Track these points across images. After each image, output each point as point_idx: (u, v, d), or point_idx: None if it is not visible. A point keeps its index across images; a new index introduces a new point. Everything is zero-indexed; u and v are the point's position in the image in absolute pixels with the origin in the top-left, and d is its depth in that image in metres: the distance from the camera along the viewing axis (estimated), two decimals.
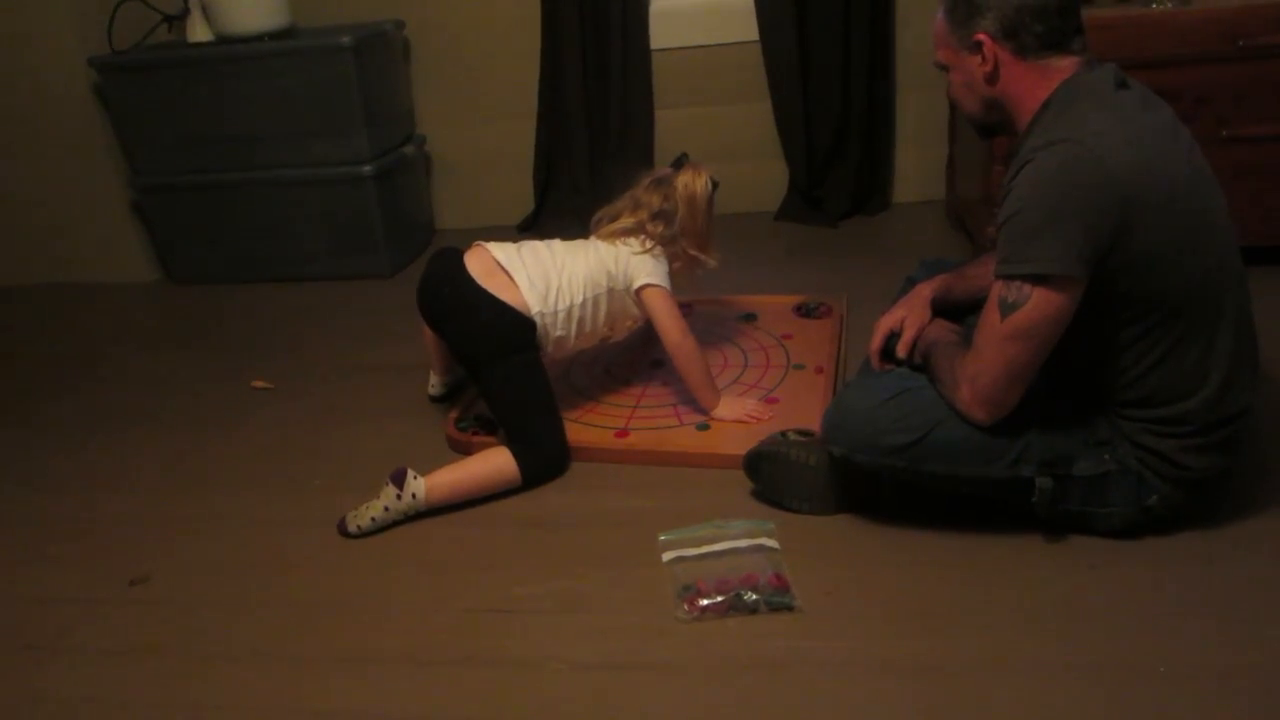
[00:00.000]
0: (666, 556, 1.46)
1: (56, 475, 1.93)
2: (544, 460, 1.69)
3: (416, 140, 3.02)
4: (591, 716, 1.21)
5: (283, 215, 2.80)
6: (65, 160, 2.90)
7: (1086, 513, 1.37)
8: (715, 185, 1.86)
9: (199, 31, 2.79)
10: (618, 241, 1.82)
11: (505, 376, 1.70)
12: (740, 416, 1.80)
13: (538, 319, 1.71)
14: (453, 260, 1.76)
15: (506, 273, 1.72)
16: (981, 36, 1.30)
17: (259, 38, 2.71)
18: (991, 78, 1.33)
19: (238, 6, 2.69)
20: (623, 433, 1.81)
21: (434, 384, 2.02)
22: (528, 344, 1.71)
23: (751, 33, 2.83)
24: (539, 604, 1.41)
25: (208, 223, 2.87)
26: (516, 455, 1.65)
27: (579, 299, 1.76)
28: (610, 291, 1.80)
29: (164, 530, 1.70)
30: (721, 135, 3.00)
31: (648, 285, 1.79)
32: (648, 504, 1.61)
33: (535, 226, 3.10)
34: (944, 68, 1.40)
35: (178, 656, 1.39)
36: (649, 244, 1.82)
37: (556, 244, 1.84)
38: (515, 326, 1.69)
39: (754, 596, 1.35)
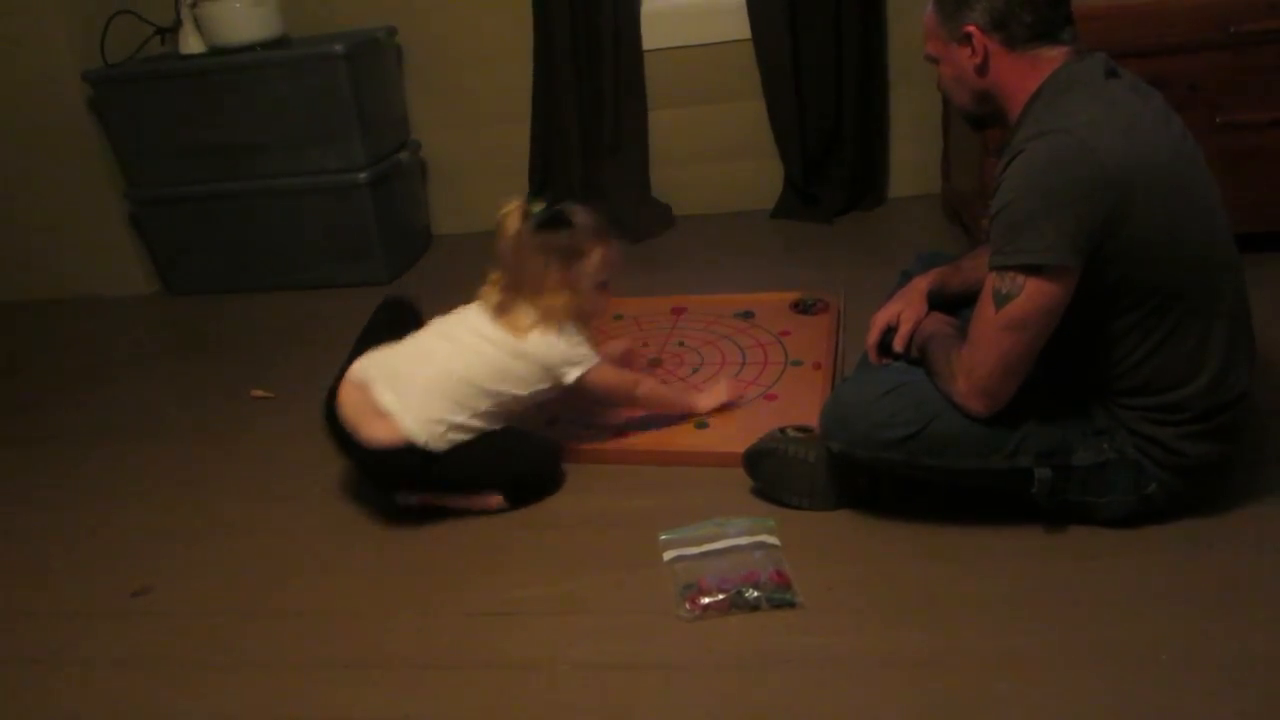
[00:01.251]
0: (667, 556, 1.45)
1: (57, 489, 1.94)
2: (533, 495, 1.65)
3: (411, 146, 3.03)
4: (596, 717, 1.21)
5: (279, 224, 2.80)
6: (62, 175, 2.90)
7: (1086, 502, 1.37)
8: (547, 213, 1.59)
9: (192, 43, 2.79)
10: (504, 328, 1.60)
11: (435, 481, 1.60)
12: (727, 398, 1.80)
13: (429, 444, 1.53)
14: (328, 403, 1.60)
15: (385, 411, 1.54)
16: (970, 28, 1.30)
17: (251, 48, 2.71)
18: (981, 69, 1.33)
19: (230, 17, 2.69)
20: (621, 433, 1.81)
21: None
22: (431, 459, 1.54)
23: (743, 31, 2.83)
24: (541, 606, 1.41)
25: (205, 233, 2.87)
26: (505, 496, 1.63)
27: (483, 406, 1.58)
28: (532, 391, 1.62)
29: (165, 541, 1.70)
30: (716, 134, 3.00)
31: (578, 377, 1.62)
32: (647, 504, 1.61)
33: None
34: (934, 60, 1.40)
35: (181, 666, 1.39)
36: (530, 322, 1.59)
37: (444, 345, 1.62)
38: (406, 460, 1.53)
39: (755, 594, 1.35)
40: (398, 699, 1.28)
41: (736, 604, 1.34)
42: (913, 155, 2.95)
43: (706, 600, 1.35)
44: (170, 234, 2.91)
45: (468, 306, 1.67)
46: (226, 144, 2.76)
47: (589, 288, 1.62)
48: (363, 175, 2.71)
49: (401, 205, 2.96)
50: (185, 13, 2.76)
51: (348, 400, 1.57)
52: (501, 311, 1.60)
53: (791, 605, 1.33)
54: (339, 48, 2.62)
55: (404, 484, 1.61)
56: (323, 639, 1.41)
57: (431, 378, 1.56)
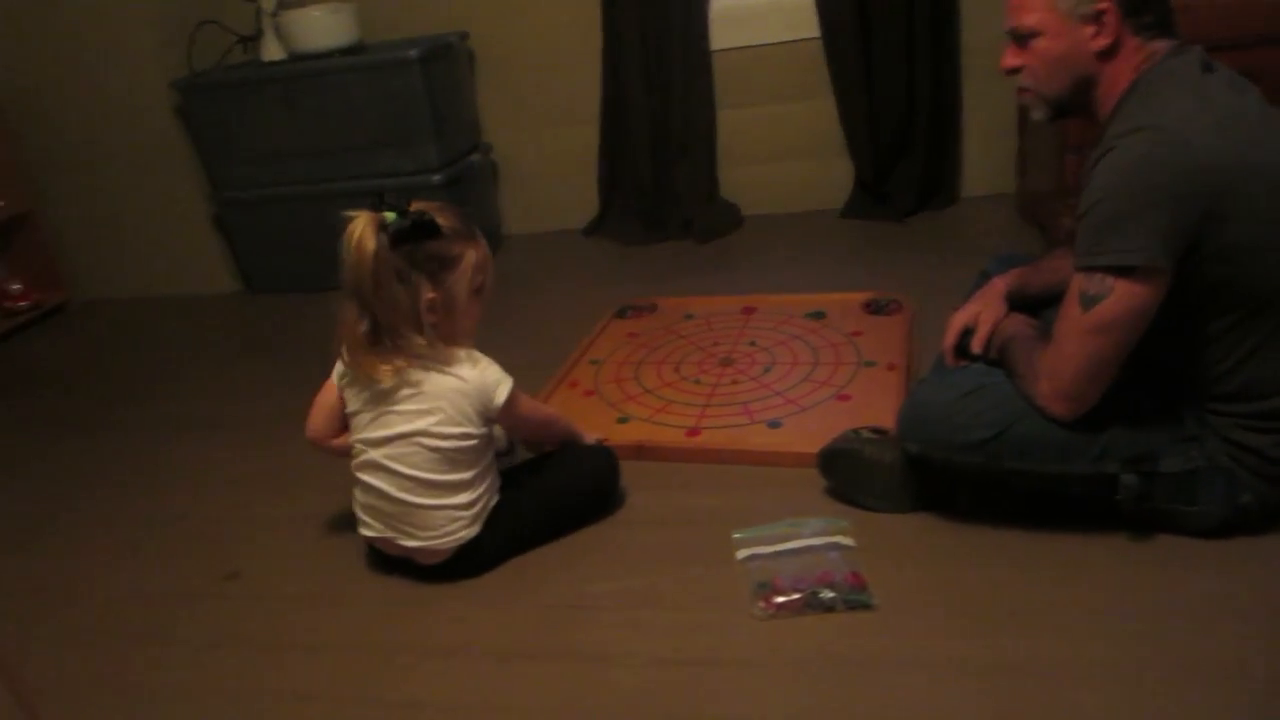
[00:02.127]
0: (740, 554, 1.46)
1: (150, 477, 2.02)
2: (602, 506, 1.62)
3: (483, 148, 3.08)
4: (669, 712, 1.22)
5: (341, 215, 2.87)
6: (151, 178, 3.02)
7: (1174, 511, 1.33)
8: (405, 221, 1.34)
9: (272, 50, 2.88)
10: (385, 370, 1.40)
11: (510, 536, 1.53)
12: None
13: (473, 532, 1.49)
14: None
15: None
16: (1105, 5, 1.23)
17: (329, 54, 2.78)
18: (1106, 53, 1.25)
19: (309, 25, 2.77)
20: (694, 431, 1.82)
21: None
22: (487, 535, 1.50)
23: (813, 30, 2.81)
24: (616, 600, 1.43)
25: (284, 234, 2.96)
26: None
27: (469, 471, 1.46)
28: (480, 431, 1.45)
29: (253, 528, 1.76)
30: (785, 134, 2.99)
31: (506, 396, 1.44)
32: (720, 502, 1.61)
33: (601, 229, 3.13)
34: (1029, 35, 1.29)
35: (267, 648, 1.44)
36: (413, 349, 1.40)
37: (381, 476, 1.46)
38: (469, 557, 1.49)
39: (831, 594, 1.34)
40: (476, 686, 1.30)
41: (811, 604, 1.34)
42: (986, 153, 2.90)
43: (781, 599, 1.35)
44: (251, 235, 3.01)
45: (361, 408, 1.46)
46: (305, 148, 2.84)
47: (465, 297, 1.42)
48: (436, 177, 2.77)
49: (474, 206, 3.01)
50: (266, 22, 2.85)
51: (383, 547, 1.52)
52: (370, 371, 1.39)
53: (867, 607, 1.33)
54: (413, 53, 2.67)
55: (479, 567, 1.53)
56: (404, 625, 1.44)
57: (411, 506, 1.44)
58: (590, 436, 1.69)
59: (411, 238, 1.35)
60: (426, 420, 1.40)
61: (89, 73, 2.90)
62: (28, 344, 2.97)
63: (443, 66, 2.84)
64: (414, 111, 2.74)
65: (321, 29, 2.78)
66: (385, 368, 1.38)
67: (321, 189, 2.86)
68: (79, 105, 2.95)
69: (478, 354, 1.45)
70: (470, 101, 3.08)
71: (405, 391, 1.41)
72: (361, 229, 1.34)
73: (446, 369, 1.41)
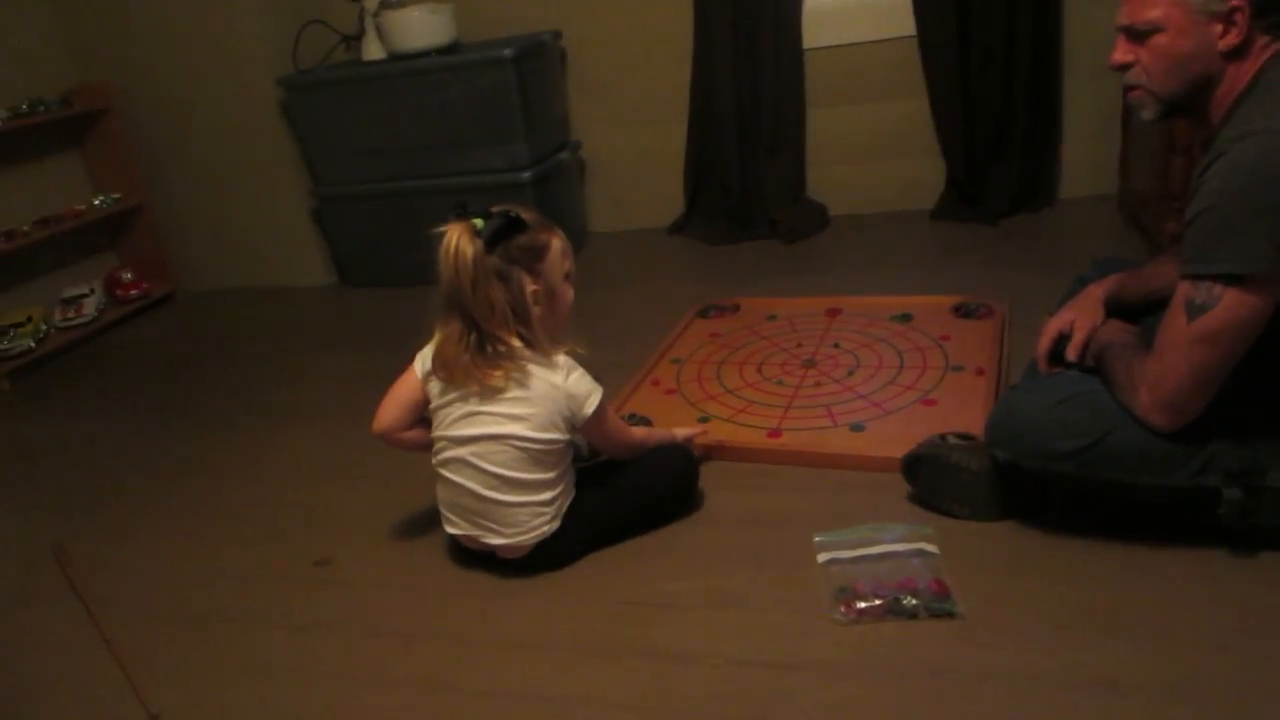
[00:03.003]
0: (821, 558, 1.45)
1: (248, 464, 2.11)
2: (680, 506, 1.64)
3: (572, 146, 3.11)
4: (745, 714, 1.22)
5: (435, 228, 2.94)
6: (254, 173, 3.16)
7: None
8: (494, 222, 1.40)
9: (373, 50, 2.97)
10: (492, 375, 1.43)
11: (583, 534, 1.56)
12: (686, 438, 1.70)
13: (549, 532, 1.51)
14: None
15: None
16: (1239, 3, 1.18)
17: (427, 54, 2.86)
18: (1236, 53, 1.20)
19: (408, 25, 2.85)
20: (775, 433, 1.81)
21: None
22: (564, 531, 1.53)
23: (908, 27, 2.77)
24: (694, 599, 1.43)
25: (379, 229, 3.04)
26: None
27: (549, 472, 1.49)
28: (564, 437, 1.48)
29: (344, 516, 1.82)
30: (875, 133, 2.95)
31: (594, 408, 1.47)
32: (801, 504, 1.60)
33: (686, 228, 3.13)
34: (1148, 30, 1.24)
35: (356, 633, 1.49)
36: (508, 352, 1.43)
37: (469, 472, 1.48)
38: (548, 551, 1.53)
39: (914, 601, 1.32)
40: (554, 679, 1.32)
41: (893, 610, 1.32)
42: (1087, 153, 2.81)
43: (862, 605, 1.34)
44: (347, 229, 3.11)
45: (447, 402, 1.49)
46: (402, 144, 2.92)
47: (560, 283, 1.49)
48: (526, 175, 2.81)
49: (561, 204, 3.05)
50: (368, 21, 2.95)
51: (466, 543, 1.55)
52: (483, 379, 1.43)
53: (951, 615, 1.30)
54: (508, 52, 2.72)
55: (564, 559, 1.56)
56: (484, 617, 1.48)
57: (496, 503, 1.47)
58: (681, 433, 1.70)
59: (505, 235, 1.41)
60: (519, 425, 1.44)
61: (198, 70, 3.04)
62: (137, 331, 3.13)
63: (535, 65, 2.88)
64: (506, 110, 2.79)
65: (420, 28, 2.86)
66: (496, 373, 1.42)
67: (414, 185, 2.94)
68: (188, 102, 3.10)
69: (574, 363, 1.48)
70: (561, 100, 3.12)
71: (502, 394, 1.44)
72: (457, 238, 1.39)
73: (546, 372, 1.44)
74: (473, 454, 1.46)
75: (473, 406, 1.46)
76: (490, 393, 1.44)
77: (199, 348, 2.91)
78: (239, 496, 1.97)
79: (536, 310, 1.44)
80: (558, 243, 1.49)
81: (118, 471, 2.17)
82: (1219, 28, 1.20)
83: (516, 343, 1.43)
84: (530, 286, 1.43)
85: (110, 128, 3.15)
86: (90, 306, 3.05)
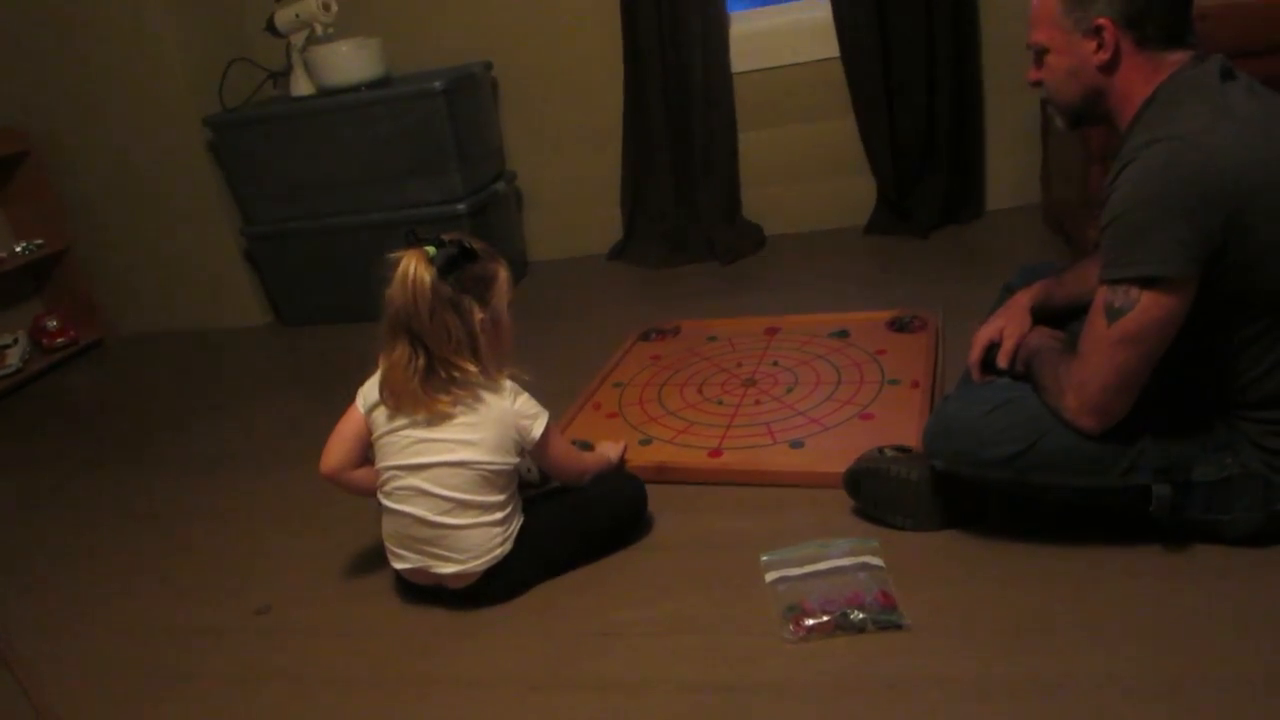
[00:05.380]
0: (769, 577, 1.45)
1: (181, 511, 2.05)
2: (630, 531, 1.63)
3: (507, 176, 3.11)
4: None
5: (383, 255, 2.91)
6: (183, 214, 3.09)
7: (1210, 520, 1.31)
8: (449, 250, 1.41)
9: (302, 86, 2.94)
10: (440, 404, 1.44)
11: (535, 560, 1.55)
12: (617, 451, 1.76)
13: (500, 557, 1.50)
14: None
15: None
16: (1103, 21, 1.24)
17: (357, 88, 2.84)
18: (1108, 66, 1.26)
19: (336, 60, 2.83)
20: (716, 452, 1.81)
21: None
22: (513, 559, 1.52)
23: (832, 50, 2.83)
24: (644, 626, 1.42)
25: (314, 266, 3.00)
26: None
27: (498, 495, 1.49)
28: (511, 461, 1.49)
29: (284, 562, 1.77)
30: (806, 153, 3.00)
31: (542, 430, 1.49)
32: (747, 524, 1.61)
33: (625, 253, 3.14)
34: (1042, 50, 1.32)
35: (299, 682, 1.45)
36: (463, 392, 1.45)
37: (422, 500, 1.47)
38: (497, 580, 1.52)
39: (861, 615, 1.33)
40: (507, 717, 1.30)
41: (842, 626, 1.33)
42: (1010, 165, 2.89)
43: (811, 622, 1.34)
44: (282, 267, 3.06)
45: (395, 430, 1.47)
46: (335, 180, 2.89)
47: (504, 312, 1.50)
48: (462, 206, 2.80)
49: (499, 234, 3.04)
50: (296, 57, 2.92)
51: (414, 577, 1.53)
52: (431, 404, 1.43)
53: (898, 627, 1.31)
54: (438, 84, 2.72)
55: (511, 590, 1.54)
56: (435, 656, 1.45)
57: (448, 528, 1.46)
58: (613, 454, 1.73)
59: (458, 264, 1.42)
60: (471, 450, 1.44)
61: (122, 111, 2.98)
62: (64, 380, 3.03)
63: (467, 96, 2.88)
64: (439, 142, 2.78)
65: (349, 63, 2.84)
66: (444, 398, 1.43)
67: (349, 221, 2.91)
68: (112, 143, 3.03)
69: (519, 387, 1.49)
70: (494, 130, 3.12)
71: (451, 419, 1.44)
72: (413, 265, 1.39)
73: (494, 397, 1.46)
74: (425, 480, 1.45)
75: (421, 433, 1.45)
76: (439, 419, 1.44)
77: (130, 395, 2.83)
78: (173, 546, 1.91)
79: (484, 338, 1.45)
80: (504, 272, 1.51)
81: (42, 526, 2.10)
82: (1092, 44, 1.26)
83: (472, 368, 1.43)
84: (478, 315, 1.44)
85: (30, 172, 3.06)
86: (14, 357, 2.96)
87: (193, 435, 2.43)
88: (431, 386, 1.43)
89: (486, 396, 1.45)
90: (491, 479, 1.46)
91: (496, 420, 1.45)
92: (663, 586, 1.50)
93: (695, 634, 1.39)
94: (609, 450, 1.78)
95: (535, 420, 1.48)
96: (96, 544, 1.97)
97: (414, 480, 1.46)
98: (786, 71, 2.93)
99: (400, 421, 1.47)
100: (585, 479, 1.61)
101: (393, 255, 1.42)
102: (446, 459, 1.44)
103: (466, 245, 1.44)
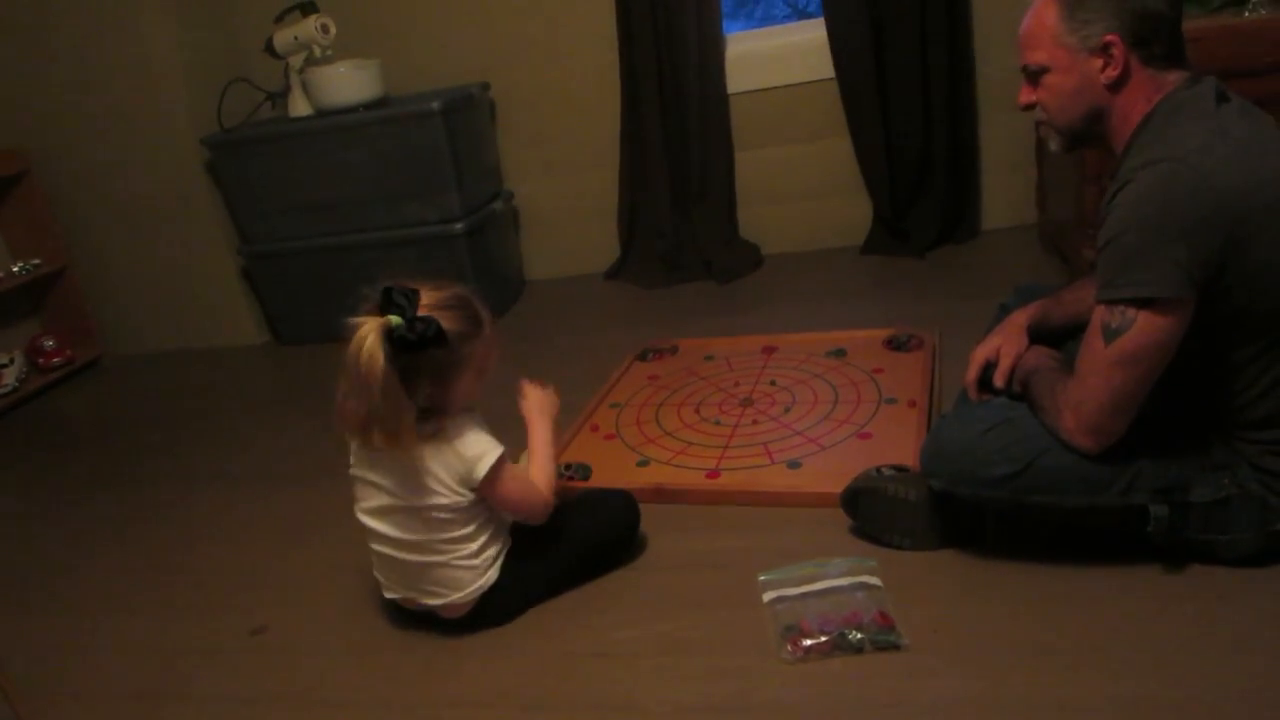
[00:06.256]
0: (767, 596, 1.44)
1: (178, 530, 2.04)
2: (621, 551, 1.62)
3: (504, 196, 3.12)
4: None
5: (380, 275, 2.91)
6: (180, 234, 3.10)
7: (1208, 540, 1.31)
8: (409, 336, 1.30)
9: (300, 106, 2.96)
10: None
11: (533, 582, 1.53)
12: (543, 406, 1.59)
13: (489, 584, 1.49)
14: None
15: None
16: (1112, 38, 1.24)
17: (355, 109, 2.85)
18: (1117, 84, 1.26)
19: (335, 81, 2.84)
20: (714, 473, 1.81)
21: None
22: (506, 583, 1.50)
23: (827, 71, 2.85)
24: (641, 647, 1.41)
25: (312, 285, 3.00)
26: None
27: (469, 527, 1.45)
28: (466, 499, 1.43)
29: (281, 582, 1.77)
30: (802, 173, 3.01)
31: (485, 471, 1.40)
32: (744, 544, 1.60)
33: (622, 273, 3.15)
34: (1040, 71, 1.31)
35: (293, 705, 1.44)
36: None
37: (399, 552, 1.46)
38: (491, 605, 1.50)
39: (859, 636, 1.32)
40: None
41: (839, 646, 1.32)
42: (1006, 185, 2.90)
43: (809, 642, 1.33)
44: (279, 287, 3.06)
45: (357, 471, 1.47)
46: (332, 200, 2.90)
47: (467, 381, 1.41)
48: (459, 226, 2.81)
49: (496, 253, 3.05)
50: (294, 79, 2.93)
51: (407, 605, 1.52)
52: (366, 440, 1.38)
53: (896, 648, 1.31)
54: (435, 105, 2.73)
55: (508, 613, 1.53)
56: (430, 678, 1.44)
57: (423, 565, 1.45)
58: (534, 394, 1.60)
59: (421, 349, 1.32)
60: (416, 497, 1.41)
61: (120, 131, 2.99)
62: (61, 400, 3.03)
63: (464, 117, 2.89)
64: (436, 162, 2.79)
65: (347, 84, 2.85)
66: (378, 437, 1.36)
67: (346, 240, 2.91)
68: (110, 163, 3.04)
69: (466, 424, 1.41)
70: (491, 150, 3.14)
71: (394, 468, 1.41)
72: (370, 340, 1.30)
73: (433, 443, 1.39)
74: (386, 525, 1.45)
75: (375, 478, 1.44)
76: (384, 468, 1.42)
77: (127, 414, 2.82)
78: (170, 566, 1.90)
79: (427, 402, 1.37)
80: (479, 350, 1.40)
81: (38, 545, 2.09)
82: (1099, 62, 1.26)
83: (409, 439, 1.35)
84: (428, 389, 1.36)
85: (28, 192, 3.07)
86: (10, 376, 2.95)
87: (189, 454, 2.43)
88: (371, 434, 1.36)
89: (427, 441, 1.39)
90: (449, 519, 1.42)
91: (438, 465, 1.39)
92: (660, 607, 1.49)
93: (693, 654, 1.38)
94: (544, 404, 1.60)
95: (480, 460, 1.39)
96: (92, 563, 1.96)
97: (375, 524, 1.46)
98: (782, 92, 2.95)
99: (363, 464, 1.45)
100: (547, 512, 1.50)
101: (355, 320, 1.33)
102: (396, 504, 1.42)
103: (433, 332, 1.31)
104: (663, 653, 1.39)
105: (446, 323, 1.34)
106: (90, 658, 1.64)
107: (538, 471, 1.52)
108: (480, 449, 1.40)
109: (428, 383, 1.36)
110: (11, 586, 1.92)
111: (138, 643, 1.66)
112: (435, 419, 1.39)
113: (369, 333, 1.30)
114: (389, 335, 1.30)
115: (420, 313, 1.33)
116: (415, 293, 1.35)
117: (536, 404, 1.61)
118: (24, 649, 1.68)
